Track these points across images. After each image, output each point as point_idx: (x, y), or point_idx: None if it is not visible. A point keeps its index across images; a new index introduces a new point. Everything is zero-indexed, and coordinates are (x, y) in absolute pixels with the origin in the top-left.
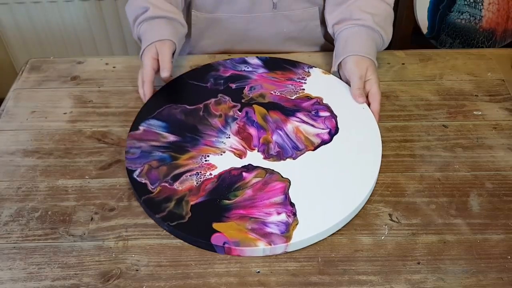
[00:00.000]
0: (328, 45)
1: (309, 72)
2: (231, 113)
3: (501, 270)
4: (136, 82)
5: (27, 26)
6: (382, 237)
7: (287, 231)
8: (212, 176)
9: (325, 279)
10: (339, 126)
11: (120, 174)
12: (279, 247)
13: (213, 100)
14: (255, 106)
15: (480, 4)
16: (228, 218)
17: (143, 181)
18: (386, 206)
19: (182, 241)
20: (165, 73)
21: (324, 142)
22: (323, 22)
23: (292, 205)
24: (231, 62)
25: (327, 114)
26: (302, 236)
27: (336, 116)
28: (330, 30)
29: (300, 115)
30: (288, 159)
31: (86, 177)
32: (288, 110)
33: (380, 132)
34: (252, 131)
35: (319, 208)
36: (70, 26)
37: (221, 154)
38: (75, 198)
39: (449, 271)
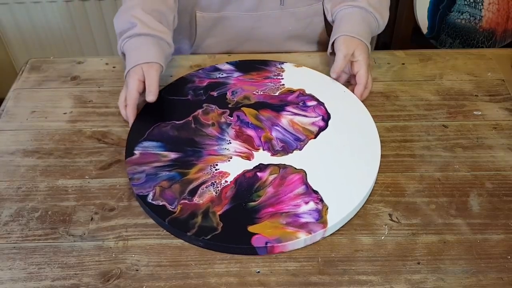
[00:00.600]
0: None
1: (282, 68)
2: (222, 119)
3: (501, 270)
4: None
5: (27, 26)
6: (382, 237)
7: (321, 217)
8: (229, 182)
9: (325, 279)
10: (329, 111)
11: (120, 174)
12: (318, 234)
13: (200, 111)
14: (243, 108)
15: (480, 4)
16: (260, 219)
17: (160, 204)
18: (386, 206)
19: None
20: (151, 97)
21: (321, 129)
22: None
23: (316, 192)
24: (204, 72)
25: (314, 103)
26: (336, 218)
27: (323, 103)
28: (329, 18)
29: (289, 108)
30: (295, 151)
31: (86, 177)
32: (276, 106)
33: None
34: (250, 132)
35: (342, 188)
36: (70, 26)
37: (229, 160)
38: (75, 198)
39: (449, 271)
